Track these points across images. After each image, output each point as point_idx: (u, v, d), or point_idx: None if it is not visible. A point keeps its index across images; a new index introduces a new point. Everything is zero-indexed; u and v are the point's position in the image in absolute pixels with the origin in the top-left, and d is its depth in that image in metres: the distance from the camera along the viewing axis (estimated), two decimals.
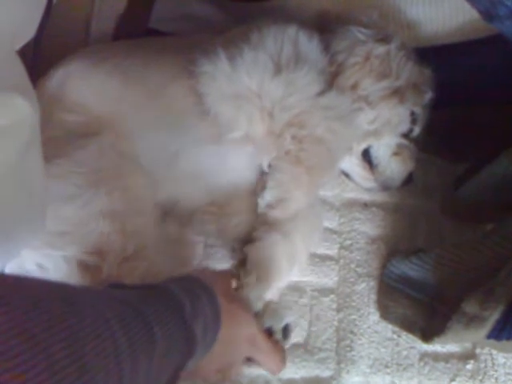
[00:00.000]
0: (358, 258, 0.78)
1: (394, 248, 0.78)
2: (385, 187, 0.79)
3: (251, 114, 0.69)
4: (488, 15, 0.55)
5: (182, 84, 0.71)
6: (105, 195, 0.61)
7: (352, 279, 0.76)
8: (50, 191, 0.58)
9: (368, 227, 0.80)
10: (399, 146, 0.78)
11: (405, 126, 0.78)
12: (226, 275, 0.66)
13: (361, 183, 0.81)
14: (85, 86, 0.70)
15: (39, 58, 0.61)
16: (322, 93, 0.71)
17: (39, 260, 0.60)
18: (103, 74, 0.70)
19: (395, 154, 0.78)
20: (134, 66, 0.72)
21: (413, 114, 0.78)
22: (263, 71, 0.68)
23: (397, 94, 0.75)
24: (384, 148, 0.78)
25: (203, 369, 0.57)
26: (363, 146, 0.78)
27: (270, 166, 0.72)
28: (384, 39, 0.77)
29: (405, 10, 0.81)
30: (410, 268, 0.73)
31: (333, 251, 0.78)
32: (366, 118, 0.76)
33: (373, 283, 0.76)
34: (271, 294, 0.70)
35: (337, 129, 0.71)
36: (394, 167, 0.78)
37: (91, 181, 0.61)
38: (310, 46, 0.73)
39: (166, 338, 0.44)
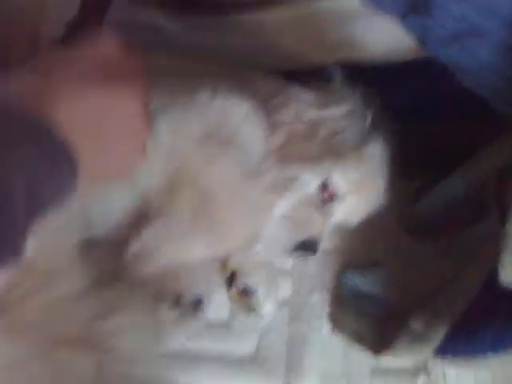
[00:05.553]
0: (313, 270, 0.77)
1: (349, 260, 0.78)
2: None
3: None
4: (421, 41, 0.55)
5: None
6: None
7: (305, 291, 0.75)
8: None
9: (324, 240, 0.79)
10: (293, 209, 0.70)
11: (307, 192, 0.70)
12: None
13: None
14: None
15: None
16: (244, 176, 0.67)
17: None
18: None
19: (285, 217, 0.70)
20: None
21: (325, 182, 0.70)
22: (189, 133, 0.64)
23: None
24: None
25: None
26: None
27: None
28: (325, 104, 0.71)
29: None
30: (362, 282, 0.73)
31: (287, 264, 0.77)
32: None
33: (326, 296, 0.75)
34: None
35: (242, 217, 0.67)
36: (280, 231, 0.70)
37: None
38: (254, 132, 0.68)
39: None
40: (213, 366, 0.70)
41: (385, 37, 0.67)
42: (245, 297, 0.71)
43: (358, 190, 0.70)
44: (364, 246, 0.79)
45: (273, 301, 0.72)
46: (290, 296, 0.75)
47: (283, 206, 0.69)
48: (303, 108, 0.69)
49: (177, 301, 0.65)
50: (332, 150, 0.69)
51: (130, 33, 0.84)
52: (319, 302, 0.75)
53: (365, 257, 0.78)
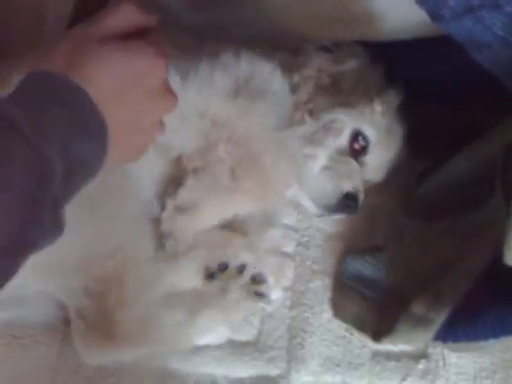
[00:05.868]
0: (315, 255, 0.77)
1: (352, 245, 0.78)
2: (321, 207, 0.76)
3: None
4: (433, 16, 0.54)
5: None
6: None
7: (307, 276, 0.75)
8: None
9: (326, 224, 0.79)
10: (332, 159, 0.74)
11: (342, 141, 0.74)
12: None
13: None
14: None
15: None
16: (277, 128, 0.69)
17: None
18: None
19: (327, 168, 0.74)
20: None
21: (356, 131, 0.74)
22: (217, 90, 0.66)
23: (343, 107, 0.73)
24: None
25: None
26: None
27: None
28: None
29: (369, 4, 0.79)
30: (364, 266, 0.73)
31: (289, 248, 0.77)
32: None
33: (328, 281, 0.75)
34: None
35: (283, 164, 0.69)
36: (324, 183, 0.74)
37: None
38: (282, 86, 0.71)
39: None
40: (214, 352, 0.70)
41: (396, 13, 0.67)
42: (254, 283, 0.72)
43: (384, 139, 0.74)
44: (365, 231, 0.79)
45: (281, 287, 0.73)
46: (292, 281, 0.75)
47: (321, 156, 0.72)
48: (324, 64, 0.74)
49: (222, 268, 0.68)
50: (359, 98, 0.73)
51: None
52: (321, 287, 0.75)
53: (366, 241, 0.78)
